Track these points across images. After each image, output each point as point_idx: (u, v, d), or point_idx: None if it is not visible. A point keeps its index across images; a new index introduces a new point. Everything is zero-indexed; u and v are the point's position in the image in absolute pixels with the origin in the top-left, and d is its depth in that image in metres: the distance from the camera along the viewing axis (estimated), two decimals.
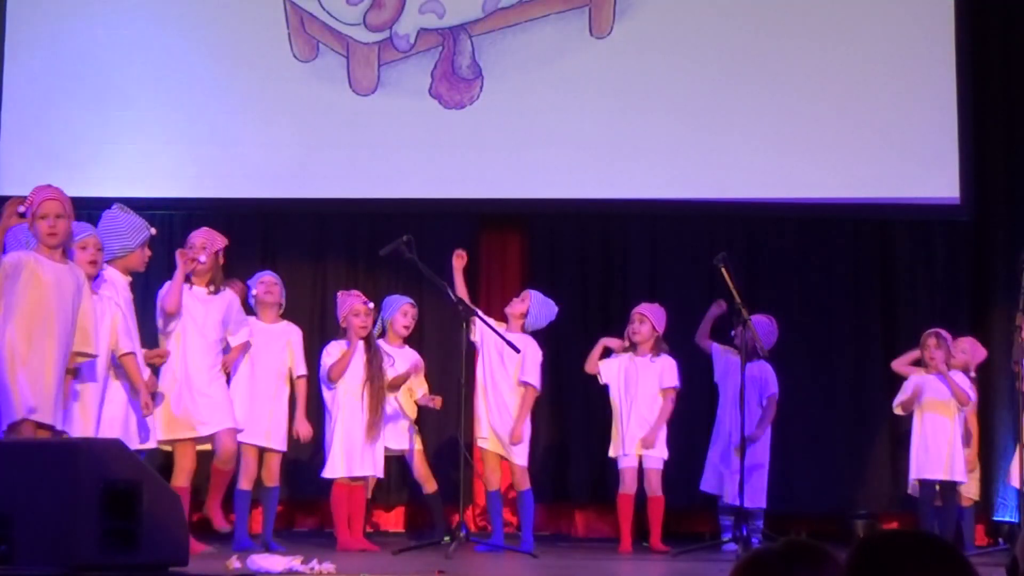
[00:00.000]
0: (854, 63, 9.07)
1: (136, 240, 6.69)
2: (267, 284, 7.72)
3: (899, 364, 8.25)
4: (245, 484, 7.56)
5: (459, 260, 7.86)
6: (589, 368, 8.11)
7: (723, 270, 7.58)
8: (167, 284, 7.00)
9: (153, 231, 6.82)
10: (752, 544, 7.45)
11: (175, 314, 6.94)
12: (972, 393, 7.99)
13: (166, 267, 8.17)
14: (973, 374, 8.24)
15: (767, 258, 9.30)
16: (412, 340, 8.15)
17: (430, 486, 7.97)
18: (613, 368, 8.05)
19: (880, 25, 9.12)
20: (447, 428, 8.61)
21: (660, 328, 8.02)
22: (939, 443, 7.93)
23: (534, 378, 7.70)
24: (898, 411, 8.15)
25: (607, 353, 8.11)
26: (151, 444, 6.75)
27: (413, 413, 7.99)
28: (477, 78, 9.18)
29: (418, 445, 7.97)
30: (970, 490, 8.25)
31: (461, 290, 7.75)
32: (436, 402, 7.90)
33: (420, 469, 7.95)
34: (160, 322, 7.02)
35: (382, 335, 7.91)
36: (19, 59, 9.21)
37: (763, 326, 8.08)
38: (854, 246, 9.30)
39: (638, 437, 7.90)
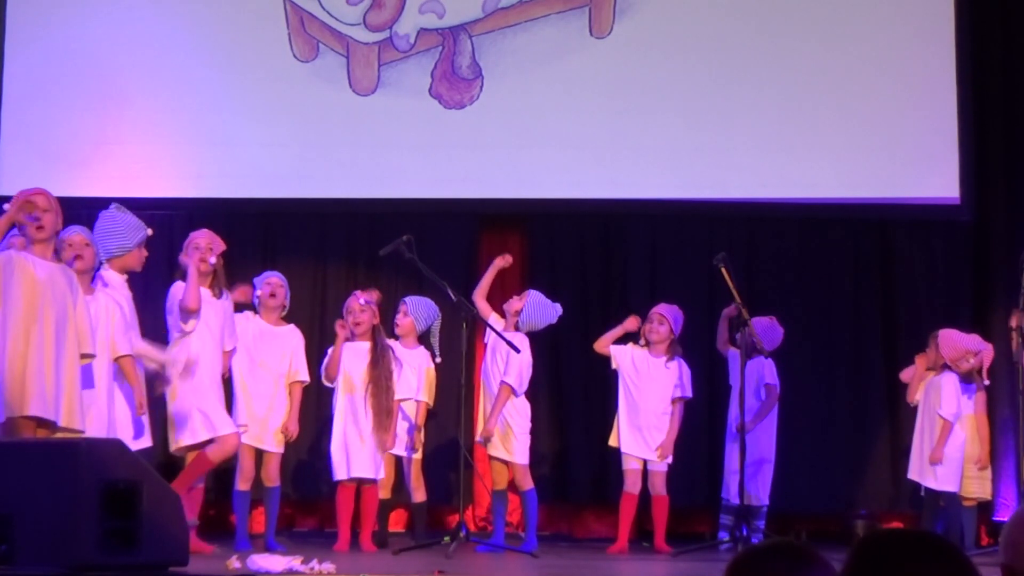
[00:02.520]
0: (854, 63, 9.06)
1: (133, 239, 6.69)
2: (272, 286, 7.72)
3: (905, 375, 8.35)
4: (243, 485, 7.57)
5: (502, 261, 7.90)
6: (600, 347, 8.04)
7: (723, 270, 7.58)
8: (179, 283, 6.96)
9: (150, 231, 6.81)
10: (752, 544, 7.44)
11: (196, 311, 6.87)
12: (950, 403, 7.88)
13: (166, 267, 8.18)
14: (985, 377, 8.20)
15: (767, 258, 9.29)
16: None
17: (420, 496, 8.00)
18: (626, 357, 8.01)
19: (880, 25, 9.12)
20: (448, 428, 8.62)
21: (677, 331, 8.02)
22: (920, 447, 7.98)
23: (511, 378, 7.63)
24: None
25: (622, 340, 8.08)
26: (146, 443, 6.77)
27: (419, 419, 8.00)
28: (477, 78, 9.18)
29: (417, 454, 7.98)
30: (973, 489, 8.22)
31: (483, 290, 7.84)
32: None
33: (414, 477, 7.97)
34: (178, 321, 6.92)
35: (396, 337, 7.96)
36: (19, 58, 9.20)
37: (764, 326, 8.08)
38: (854, 246, 9.30)
39: (643, 437, 7.89)
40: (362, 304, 7.58)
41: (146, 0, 9.26)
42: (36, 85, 9.17)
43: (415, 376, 7.92)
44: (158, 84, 9.17)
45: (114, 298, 6.48)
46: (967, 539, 8.08)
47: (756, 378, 8.11)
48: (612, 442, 8.01)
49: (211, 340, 7.00)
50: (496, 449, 7.70)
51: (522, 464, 7.72)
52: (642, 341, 8.03)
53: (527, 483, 7.74)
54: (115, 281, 6.60)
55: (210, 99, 9.17)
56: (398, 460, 7.98)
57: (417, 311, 8.03)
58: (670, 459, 7.92)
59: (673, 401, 7.94)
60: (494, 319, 7.83)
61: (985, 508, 8.58)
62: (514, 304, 7.84)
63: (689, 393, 7.98)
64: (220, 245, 7.18)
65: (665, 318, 7.99)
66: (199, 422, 6.85)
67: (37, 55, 9.19)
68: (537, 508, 7.84)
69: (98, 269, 6.61)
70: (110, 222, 6.72)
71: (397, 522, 8.73)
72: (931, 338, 8.15)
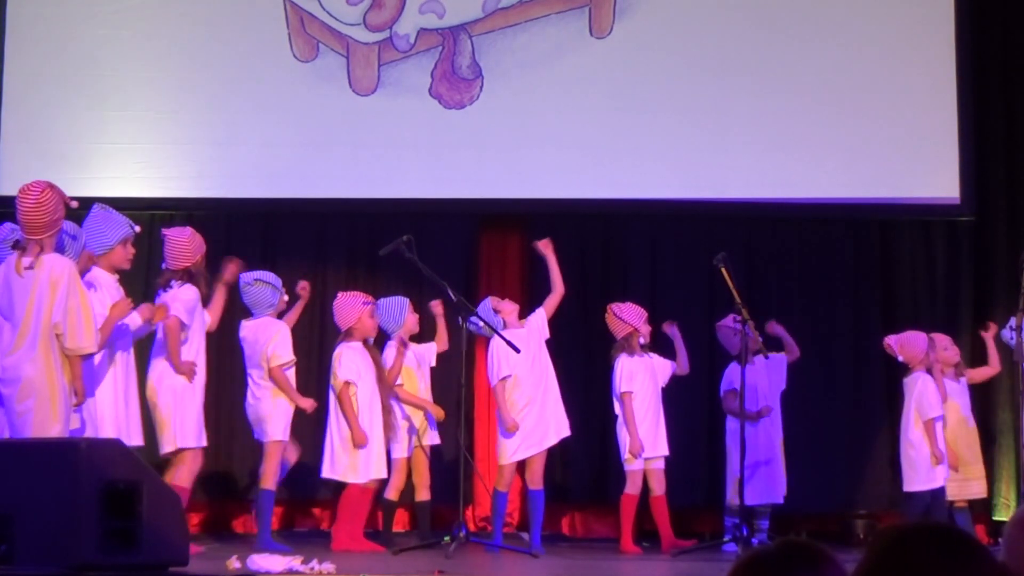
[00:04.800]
0: (854, 63, 9.07)
1: (114, 236, 6.64)
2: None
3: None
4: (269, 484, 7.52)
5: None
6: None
7: (723, 270, 7.59)
8: (188, 288, 6.93)
9: (137, 229, 6.77)
10: (752, 544, 7.45)
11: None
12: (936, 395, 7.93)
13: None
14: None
15: (767, 258, 9.29)
16: (413, 340, 8.17)
17: (423, 494, 8.00)
18: (637, 373, 7.97)
19: (880, 25, 9.12)
20: (448, 428, 8.61)
21: None
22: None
23: (491, 377, 7.75)
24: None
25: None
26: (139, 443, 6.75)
27: (431, 417, 8.03)
28: (477, 78, 9.18)
29: (424, 453, 7.99)
30: (972, 490, 8.20)
31: None
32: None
33: (419, 475, 7.97)
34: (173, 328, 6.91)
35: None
36: (19, 59, 9.20)
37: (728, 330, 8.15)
38: (854, 246, 9.30)
39: (650, 437, 7.90)
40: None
41: (146, 1, 9.26)
42: (36, 85, 9.17)
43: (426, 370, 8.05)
44: (158, 84, 9.17)
45: (103, 302, 6.45)
46: None
47: (767, 375, 8.15)
48: (629, 458, 7.92)
49: (203, 343, 7.03)
50: (517, 453, 7.68)
51: (539, 457, 7.71)
52: (644, 341, 8.04)
53: (538, 482, 7.72)
54: (104, 281, 6.57)
55: (210, 99, 9.17)
56: (407, 460, 7.99)
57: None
58: (667, 453, 7.94)
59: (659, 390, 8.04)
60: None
61: (984, 508, 8.59)
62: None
63: (667, 380, 8.07)
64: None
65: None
66: (198, 426, 6.88)
67: (37, 55, 9.19)
68: (543, 509, 7.82)
69: (88, 270, 6.58)
70: (91, 222, 6.71)
71: (399, 522, 8.73)
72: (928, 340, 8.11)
